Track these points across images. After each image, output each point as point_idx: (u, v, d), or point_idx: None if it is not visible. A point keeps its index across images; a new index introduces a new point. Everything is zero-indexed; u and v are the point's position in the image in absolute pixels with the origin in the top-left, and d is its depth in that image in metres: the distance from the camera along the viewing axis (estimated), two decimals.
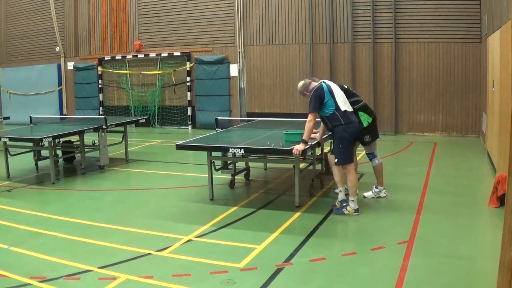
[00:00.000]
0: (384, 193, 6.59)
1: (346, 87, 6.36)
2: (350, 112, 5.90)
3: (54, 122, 11.85)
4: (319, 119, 6.06)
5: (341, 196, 6.00)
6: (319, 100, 5.75)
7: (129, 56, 16.12)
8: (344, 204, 5.91)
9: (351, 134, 5.83)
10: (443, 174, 8.09)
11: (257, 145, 6.34)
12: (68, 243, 5.14)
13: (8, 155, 8.42)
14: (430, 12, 12.30)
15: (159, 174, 8.84)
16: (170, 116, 15.84)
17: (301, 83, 6.15)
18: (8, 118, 12.83)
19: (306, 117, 5.86)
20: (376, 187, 6.62)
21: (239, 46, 14.60)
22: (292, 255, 4.61)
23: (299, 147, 5.63)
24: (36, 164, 9.17)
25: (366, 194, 6.60)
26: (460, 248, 4.74)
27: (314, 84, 5.99)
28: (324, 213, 5.93)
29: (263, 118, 11.40)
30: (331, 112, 5.77)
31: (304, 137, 5.76)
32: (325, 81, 6.04)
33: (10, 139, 7.99)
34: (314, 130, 6.05)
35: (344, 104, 5.85)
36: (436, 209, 6.02)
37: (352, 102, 6.10)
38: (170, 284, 4.05)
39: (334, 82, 6.36)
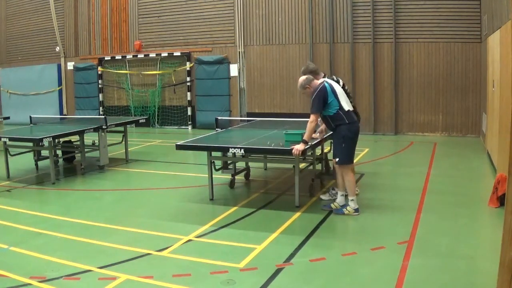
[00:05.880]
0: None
1: (341, 83, 6.32)
2: (352, 111, 5.89)
3: (54, 122, 11.85)
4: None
5: (340, 200, 5.99)
6: (322, 101, 5.71)
7: (129, 56, 16.13)
8: (343, 204, 5.91)
9: (355, 133, 5.83)
10: (443, 174, 8.09)
11: (257, 145, 6.34)
12: (68, 243, 5.14)
13: (8, 155, 8.42)
14: (430, 12, 12.30)
15: (159, 174, 8.84)
16: (170, 116, 15.84)
17: (304, 77, 6.00)
18: (8, 118, 12.82)
19: (306, 117, 5.84)
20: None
21: (239, 46, 14.60)
22: (292, 255, 4.61)
23: (299, 147, 5.62)
24: (36, 164, 9.17)
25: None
26: (460, 248, 4.74)
27: (316, 82, 5.94)
28: (324, 213, 5.93)
29: (263, 118, 11.41)
30: (334, 112, 5.74)
31: (305, 137, 5.73)
32: (327, 80, 6.01)
33: (10, 139, 7.98)
34: None
35: (346, 104, 5.83)
36: (436, 209, 6.02)
37: None
38: (170, 284, 4.05)
39: (332, 78, 6.34)
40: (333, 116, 5.76)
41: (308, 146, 5.83)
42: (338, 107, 5.74)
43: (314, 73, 6.22)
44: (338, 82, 6.33)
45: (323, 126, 6.33)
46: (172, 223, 5.80)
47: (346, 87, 6.47)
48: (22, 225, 5.75)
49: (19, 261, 4.63)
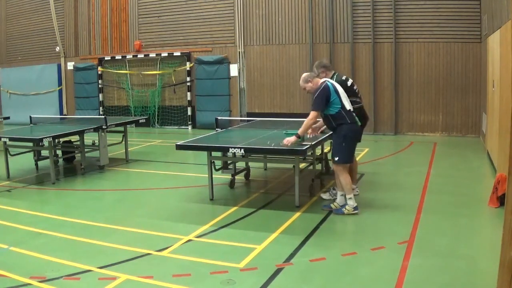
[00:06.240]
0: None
1: (350, 83, 6.34)
2: (352, 111, 5.90)
3: (54, 122, 11.85)
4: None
5: (340, 200, 5.99)
6: (325, 99, 5.71)
7: (129, 56, 16.12)
8: (343, 204, 5.91)
9: (356, 133, 5.85)
10: (443, 174, 8.08)
11: (257, 145, 6.33)
12: (68, 243, 5.14)
13: (8, 155, 8.42)
14: (430, 12, 12.30)
15: (159, 174, 8.84)
16: (170, 116, 15.84)
17: (307, 73, 6.05)
18: (8, 118, 12.81)
19: (306, 116, 5.84)
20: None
21: (239, 46, 14.60)
22: (292, 255, 4.61)
23: (290, 139, 5.70)
24: (36, 164, 9.17)
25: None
26: (460, 248, 4.74)
27: (319, 80, 5.94)
28: (324, 213, 5.93)
29: (263, 118, 11.40)
30: (336, 111, 5.74)
31: (300, 131, 5.77)
32: (328, 80, 6.01)
33: (10, 139, 7.98)
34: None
35: (348, 103, 5.84)
36: (436, 209, 6.02)
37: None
38: (170, 284, 4.05)
39: (341, 76, 6.40)
40: (335, 115, 5.76)
41: (307, 145, 5.82)
42: (340, 106, 5.75)
43: (327, 69, 6.37)
44: (347, 80, 6.35)
45: (320, 123, 6.32)
46: (172, 223, 5.80)
47: (355, 87, 6.47)
48: (22, 225, 5.75)
49: (19, 261, 4.63)
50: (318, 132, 6.44)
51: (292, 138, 5.73)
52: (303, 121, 5.87)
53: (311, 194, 6.73)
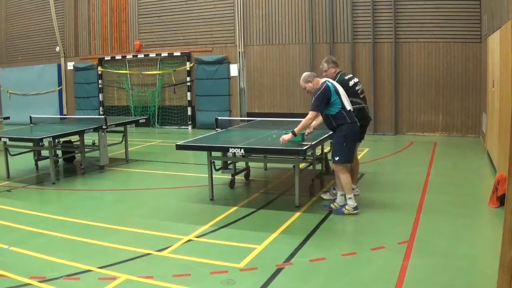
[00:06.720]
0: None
1: (352, 83, 6.35)
2: (352, 111, 5.90)
3: (54, 122, 11.85)
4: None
5: (340, 200, 5.98)
6: (325, 100, 5.72)
7: (129, 56, 16.12)
8: (343, 204, 5.91)
9: (356, 133, 5.86)
10: (443, 174, 8.08)
11: (257, 145, 6.34)
12: (68, 243, 5.15)
13: (8, 155, 8.42)
14: (430, 12, 12.30)
15: (159, 174, 8.84)
16: (170, 116, 15.84)
17: (308, 73, 6.08)
18: (8, 118, 12.81)
19: (306, 116, 5.84)
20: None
21: (239, 46, 14.60)
22: (292, 255, 4.61)
23: (285, 137, 5.77)
24: (36, 164, 9.17)
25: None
26: (460, 248, 4.74)
27: (319, 80, 5.94)
28: (324, 213, 5.93)
29: (263, 118, 11.40)
30: (337, 111, 5.74)
31: (296, 130, 5.81)
32: (328, 80, 6.01)
33: (10, 139, 7.98)
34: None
35: (348, 104, 5.85)
36: (436, 209, 6.02)
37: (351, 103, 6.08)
38: (170, 284, 4.05)
39: (345, 76, 6.43)
40: (335, 115, 5.77)
41: (307, 145, 5.83)
42: (340, 106, 5.76)
43: (336, 65, 6.57)
44: (349, 80, 6.36)
45: (316, 123, 6.32)
46: (172, 223, 5.80)
47: (357, 87, 6.45)
48: (22, 225, 5.76)
49: (19, 261, 4.63)
50: (312, 130, 6.39)
51: (288, 136, 5.77)
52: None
53: (311, 194, 6.73)
